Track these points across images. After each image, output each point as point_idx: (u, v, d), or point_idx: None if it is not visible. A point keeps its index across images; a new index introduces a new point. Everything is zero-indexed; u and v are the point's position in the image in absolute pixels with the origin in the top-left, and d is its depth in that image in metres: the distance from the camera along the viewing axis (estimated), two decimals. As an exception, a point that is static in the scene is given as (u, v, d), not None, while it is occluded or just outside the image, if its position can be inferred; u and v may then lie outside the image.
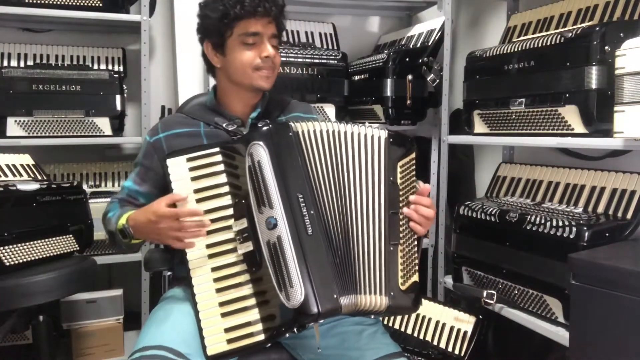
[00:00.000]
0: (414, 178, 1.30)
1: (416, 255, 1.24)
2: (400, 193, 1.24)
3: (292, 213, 1.13)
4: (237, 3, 1.31)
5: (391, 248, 1.20)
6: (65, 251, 1.86)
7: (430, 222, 1.27)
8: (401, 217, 1.23)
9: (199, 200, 1.23)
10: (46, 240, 1.81)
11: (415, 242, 1.25)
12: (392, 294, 1.16)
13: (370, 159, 1.24)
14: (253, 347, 1.16)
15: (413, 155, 1.30)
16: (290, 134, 1.21)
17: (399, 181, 1.25)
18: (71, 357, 2.23)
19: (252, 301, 1.18)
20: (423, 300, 2.08)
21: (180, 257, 1.23)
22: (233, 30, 1.34)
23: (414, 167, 1.30)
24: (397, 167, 1.26)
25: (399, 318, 2.10)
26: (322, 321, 1.13)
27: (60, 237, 1.86)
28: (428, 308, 2.07)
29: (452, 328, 1.98)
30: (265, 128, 1.20)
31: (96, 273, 1.90)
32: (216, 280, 1.20)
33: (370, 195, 1.22)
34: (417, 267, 1.23)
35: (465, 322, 1.96)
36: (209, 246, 1.21)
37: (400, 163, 1.26)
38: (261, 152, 1.16)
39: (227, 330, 1.17)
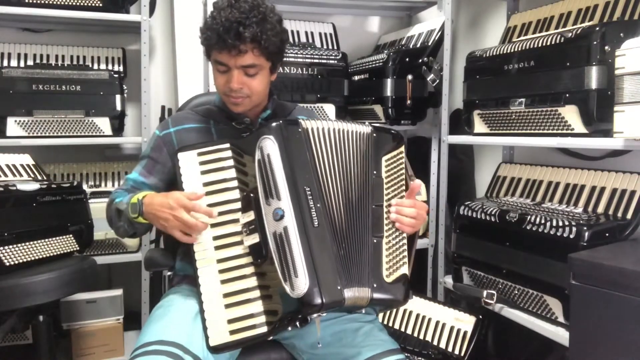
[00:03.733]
0: (403, 171, 1.32)
1: (405, 249, 1.25)
2: (386, 187, 1.27)
3: (299, 205, 1.16)
4: (213, 32, 1.29)
5: (374, 240, 1.22)
6: (65, 251, 1.86)
7: (420, 220, 1.28)
8: (386, 210, 1.25)
9: (208, 194, 1.25)
10: (46, 240, 1.81)
11: (405, 238, 1.26)
12: (374, 285, 1.17)
13: (358, 155, 1.28)
14: (255, 339, 1.17)
15: (401, 149, 1.33)
16: (300, 129, 1.25)
17: (384, 175, 1.28)
18: (71, 357, 2.23)
19: (256, 293, 1.19)
20: (423, 300, 2.10)
21: (185, 251, 1.24)
22: (210, 55, 1.36)
23: (402, 160, 1.32)
24: (382, 162, 1.29)
25: (399, 318, 2.11)
26: (324, 314, 1.14)
27: (60, 237, 1.86)
28: (428, 308, 2.07)
29: (452, 328, 1.98)
30: (275, 124, 1.23)
31: (96, 273, 1.90)
32: (221, 271, 1.21)
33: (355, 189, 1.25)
34: (406, 261, 1.24)
35: (465, 322, 1.96)
36: (215, 238, 1.23)
37: (386, 157, 1.30)
38: (271, 145, 1.19)
39: (230, 321, 1.18)
